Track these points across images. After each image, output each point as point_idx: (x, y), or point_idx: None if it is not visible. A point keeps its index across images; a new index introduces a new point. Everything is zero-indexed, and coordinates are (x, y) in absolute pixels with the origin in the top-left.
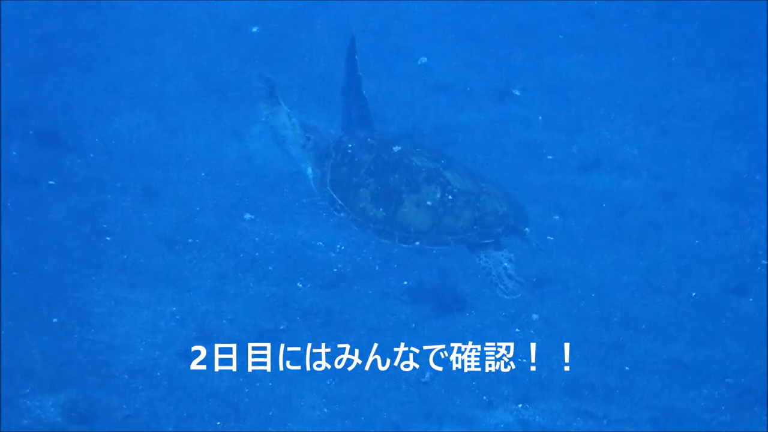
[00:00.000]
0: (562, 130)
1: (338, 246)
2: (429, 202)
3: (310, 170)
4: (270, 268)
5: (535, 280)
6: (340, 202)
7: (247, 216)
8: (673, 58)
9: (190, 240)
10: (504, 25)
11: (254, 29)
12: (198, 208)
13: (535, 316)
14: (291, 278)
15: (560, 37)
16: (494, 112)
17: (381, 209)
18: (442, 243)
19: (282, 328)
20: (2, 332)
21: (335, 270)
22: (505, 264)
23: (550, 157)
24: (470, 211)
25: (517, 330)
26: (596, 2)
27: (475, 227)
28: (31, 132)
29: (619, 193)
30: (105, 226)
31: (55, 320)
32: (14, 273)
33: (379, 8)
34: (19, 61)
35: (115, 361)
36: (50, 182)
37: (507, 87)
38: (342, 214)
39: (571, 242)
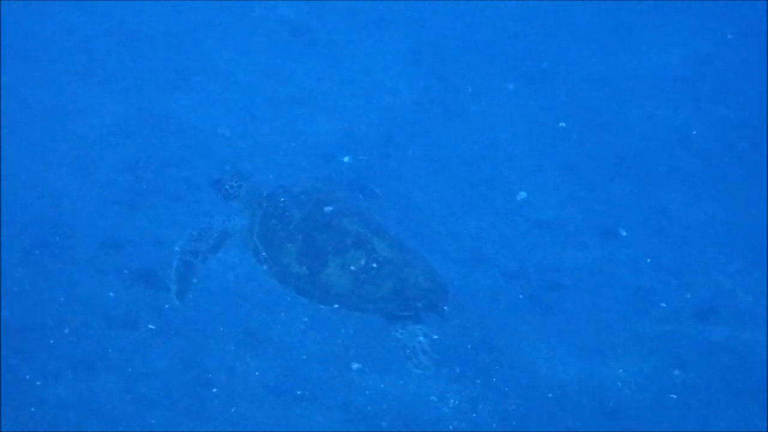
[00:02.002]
0: (673, 274)
1: (451, 401)
2: (353, 267)
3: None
4: (383, 423)
5: None
6: (264, 253)
7: (355, 365)
8: None
9: (298, 392)
10: (601, 155)
11: (345, 159)
12: (304, 357)
13: None
14: None
15: (661, 169)
16: (599, 252)
17: (305, 267)
18: (360, 309)
19: None
20: None
21: (450, 428)
22: (421, 338)
23: (663, 304)
24: (392, 281)
25: None
26: (694, 132)
27: (395, 298)
28: (126, 271)
29: (739, 345)
30: (210, 375)
31: None
32: (121, 427)
33: (472, 138)
34: (107, 193)
35: None
36: (150, 326)
37: (611, 225)
38: (265, 267)
39: (696, 400)
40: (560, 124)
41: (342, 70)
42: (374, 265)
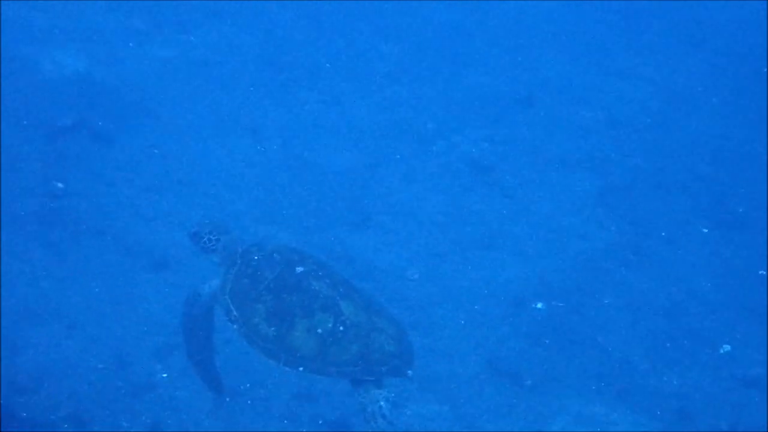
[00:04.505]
0: None
1: None
2: (319, 330)
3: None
4: None
5: None
6: (235, 313)
7: None
8: None
9: None
10: None
11: (539, 305)
12: None
13: None
14: None
15: None
16: None
17: (273, 328)
18: (324, 373)
19: None
20: None
21: None
22: (381, 403)
23: None
24: (358, 345)
25: None
26: None
27: (359, 362)
28: (320, 421)
29: None
30: None
31: None
32: None
33: (668, 286)
34: None
35: None
36: None
37: None
38: (235, 326)
39: None
40: (760, 272)
41: (529, 211)
42: (341, 328)
